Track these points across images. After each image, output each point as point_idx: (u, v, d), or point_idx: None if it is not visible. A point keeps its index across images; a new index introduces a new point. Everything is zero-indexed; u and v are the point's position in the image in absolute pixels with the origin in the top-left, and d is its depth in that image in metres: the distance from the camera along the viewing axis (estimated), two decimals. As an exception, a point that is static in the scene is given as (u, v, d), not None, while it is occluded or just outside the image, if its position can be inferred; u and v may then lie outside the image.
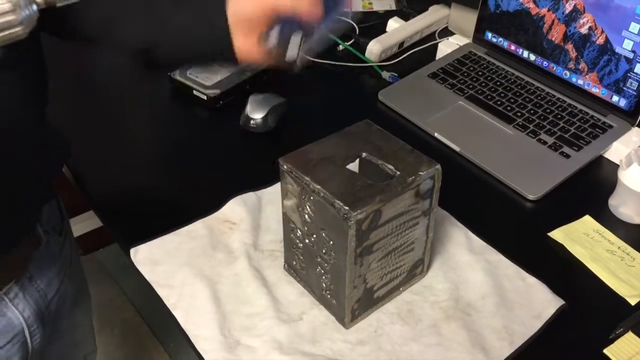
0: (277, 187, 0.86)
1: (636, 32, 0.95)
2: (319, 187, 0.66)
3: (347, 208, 0.63)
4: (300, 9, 0.67)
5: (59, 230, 0.83)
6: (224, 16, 0.69)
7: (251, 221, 0.85)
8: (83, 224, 1.85)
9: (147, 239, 0.82)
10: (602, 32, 0.99)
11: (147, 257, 0.80)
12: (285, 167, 0.69)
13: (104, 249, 2.05)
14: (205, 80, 1.07)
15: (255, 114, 0.99)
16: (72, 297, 0.87)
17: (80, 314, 0.93)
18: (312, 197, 0.67)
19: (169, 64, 0.82)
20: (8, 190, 0.64)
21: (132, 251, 0.81)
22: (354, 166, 0.70)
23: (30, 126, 0.67)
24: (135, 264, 0.80)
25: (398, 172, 0.68)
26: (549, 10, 1.05)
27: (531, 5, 1.07)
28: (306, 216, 0.70)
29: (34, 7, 0.49)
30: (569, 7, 1.02)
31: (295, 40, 0.67)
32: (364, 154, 0.71)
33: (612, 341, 0.73)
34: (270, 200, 0.87)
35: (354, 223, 0.63)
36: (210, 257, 0.81)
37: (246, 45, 0.70)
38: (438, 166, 0.69)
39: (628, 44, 0.97)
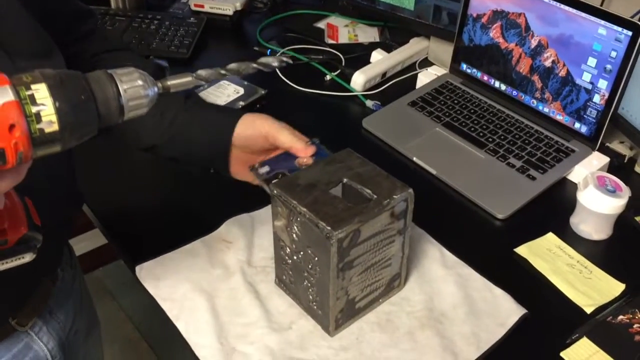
0: (268, 209, 0.95)
1: (593, 65, 1.05)
2: (305, 209, 0.74)
3: (329, 228, 0.72)
4: (295, 150, 0.83)
5: (70, 263, 0.91)
6: (230, 135, 0.82)
7: (245, 240, 0.93)
8: (82, 244, 1.92)
9: (150, 257, 0.90)
10: (564, 65, 1.09)
11: (151, 273, 0.88)
12: (275, 191, 0.78)
13: (103, 267, 2.11)
14: (202, 110, 1.16)
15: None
16: (85, 327, 0.94)
17: (93, 343, 1.00)
18: (299, 219, 0.76)
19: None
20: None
21: (137, 268, 0.89)
22: (336, 190, 0.79)
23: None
24: (140, 279, 0.88)
25: (375, 196, 0.77)
26: (516, 45, 1.15)
27: (501, 40, 1.17)
28: (294, 235, 0.78)
29: (156, 89, 0.52)
30: (534, 43, 1.12)
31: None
32: (345, 180, 0.80)
33: (568, 345, 0.81)
34: (262, 221, 0.96)
35: (335, 241, 0.72)
36: (209, 273, 0.89)
37: (239, 165, 0.84)
38: (410, 190, 0.78)
39: (587, 76, 1.06)
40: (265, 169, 0.84)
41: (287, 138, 0.83)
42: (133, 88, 0.49)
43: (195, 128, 0.84)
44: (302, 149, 0.83)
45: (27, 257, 0.56)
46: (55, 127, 0.44)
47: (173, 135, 0.83)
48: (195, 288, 0.86)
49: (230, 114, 0.86)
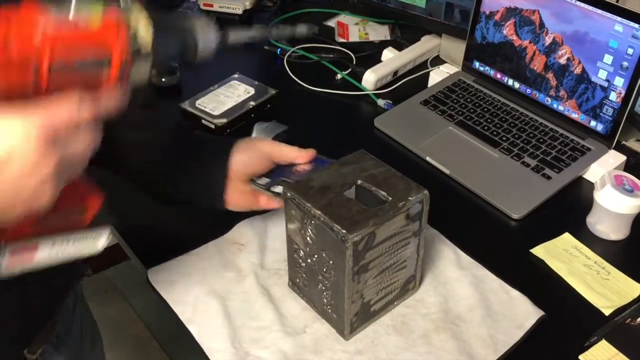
0: (280, 211, 0.94)
1: (609, 63, 1.03)
2: (319, 212, 0.73)
3: (344, 231, 0.71)
4: (300, 157, 0.85)
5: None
6: (224, 179, 0.83)
7: (258, 242, 0.92)
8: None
9: (162, 261, 0.89)
10: (579, 62, 1.07)
11: (163, 277, 0.88)
12: (288, 194, 0.77)
13: (114, 267, 2.12)
14: (213, 110, 1.15)
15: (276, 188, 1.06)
16: (90, 340, 0.95)
17: (99, 351, 1.00)
18: (313, 222, 0.75)
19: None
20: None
21: (149, 272, 0.88)
22: (350, 193, 0.78)
23: None
24: (152, 283, 0.87)
25: (390, 198, 0.76)
26: (530, 42, 1.13)
27: (514, 37, 1.16)
28: (308, 238, 0.77)
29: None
30: (548, 40, 1.11)
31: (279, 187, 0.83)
32: (359, 182, 0.79)
33: (587, 348, 0.80)
34: (275, 223, 0.95)
35: (350, 244, 0.71)
36: (221, 276, 0.88)
37: (236, 196, 0.85)
38: (426, 191, 0.77)
39: (603, 74, 1.05)
40: (264, 180, 0.85)
41: (291, 149, 0.86)
42: (207, 37, 0.59)
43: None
44: (305, 155, 0.86)
45: (102, 241, 0.56)
46: (149, 49, 0.52)
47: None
48: (207, 291, 0.85)
49: (222, 145, 0.86)
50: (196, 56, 0.59)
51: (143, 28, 0.51)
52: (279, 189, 0.83)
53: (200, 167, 0.85)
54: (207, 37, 0.59)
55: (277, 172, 0.86)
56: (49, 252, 0.54)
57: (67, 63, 0.47)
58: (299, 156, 0.86)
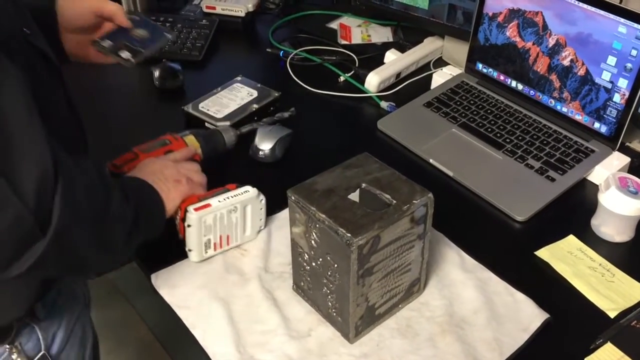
0: (285, 213, 0.94)
1: (613, 64, 1.03)
2: (324, 216, 0.73)
3: (349, 235, 0.71)
4: (119, 18, 0.94)
5: None
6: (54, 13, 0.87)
7: (261, 246, 0.92)
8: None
9: (166, 265, 0.89)
10: (583, 64, 1.07)
11: (166, 281, 0.88)
12: (293, 198, 0.77)
13: (116, 270, 2.11)
14: (216, 113, 1.15)
15: (264, 145, 1.07)
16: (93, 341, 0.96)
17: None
18: (317, 225, 0.75)
19: None
20: None
21: (153, 276, 0.88)
22: (354, 196, 0.78)
23: None
24: (155, 287, 0.87)
25: (394, 201, 0.76)
26: (533, 44, 1.13)
27: (517, 39, 1.15)
28: (313, 242, 0.77)
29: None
30: (552, 42, 1.10)
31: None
32: (363, 185, 0.78)
33: (592, 351, 0.79)
34: (279, 226, 0.95)
35: (355, 248, 0.71)
36: (224, 280, 0.88)
37: (74, 47, 0.91)
38: (430, 194, 0.77)
39: (606, 75, 1.04)
40: (108, 42, 0.93)
41: (110, 5, 0.93)
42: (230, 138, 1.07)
43: None
44: (125, 19, 0.94)
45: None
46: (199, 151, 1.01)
47: None
48: (211, 295, 0.85)
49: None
50: (225, 148, 1.06)
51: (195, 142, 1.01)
52: (125, 54, 0.93)
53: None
54: (229, 136, 1.06)
55: (118, 33, 0.95)
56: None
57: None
58: (118, 15, 0.93)
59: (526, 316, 0.83)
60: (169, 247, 0.93)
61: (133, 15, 1.00)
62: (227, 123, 1.13)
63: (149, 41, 0.98)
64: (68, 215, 0.64)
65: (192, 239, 0.87)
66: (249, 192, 0.90)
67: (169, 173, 0.87)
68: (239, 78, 1.24)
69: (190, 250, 0.88)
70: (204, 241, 0.88)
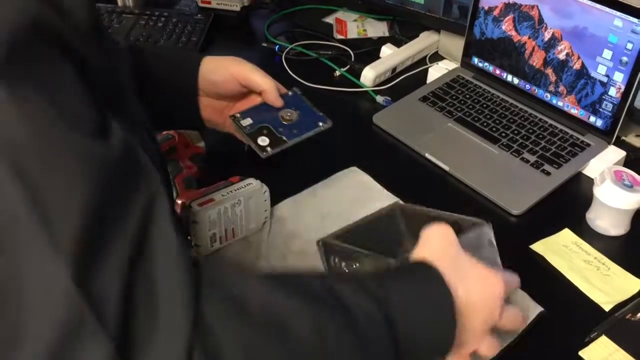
0: (287, 203, 0.94)
1: (609, 58, 1.03)
2: None
3: None
4: (268, 96, 0.83)
5: None
6: (195, 77, 0.80)
7: (267, 237, 0.92)
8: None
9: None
10: (578, 58, 1.07)
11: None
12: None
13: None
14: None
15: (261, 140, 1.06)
16: None
17: None
18: None
19: None
20: None
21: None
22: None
23: None
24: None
25: None
26: (529, 38, 1.13)
27: (513, 33, 1.15)
28: None
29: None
30: (547, 35, 1.10)
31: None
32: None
33: (587, 344, 0.79)
34: (282, 216, 0.95)
35: None
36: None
37: (211, 113, 0.84)
38: (490, 224, 0.76)
39: (602, 69, 1.04)
40: (248, 121, 0.84)
41: (261, 79, 0.82)
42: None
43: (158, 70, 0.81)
44: (275, 97, 0.83)
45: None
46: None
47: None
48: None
49: (191, 55, 0.84)
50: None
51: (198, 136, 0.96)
52: (263, 140, 0.85)
53: (169, 86, 0.81)
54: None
55: (262, 111, 0.84)
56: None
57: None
58: (268, 91, 0.82)
59: (521, 309, 0.82)
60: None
61: (289, 91, 0.88)
62: (223, 117, 1.13)
63: (297, 128, 0.84)
64: None
65: (199, 235, 0.86)
66: (252, 184, 0.89)
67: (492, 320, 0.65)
68: (234, 72, 1.23)
69: (197, 245, 0.87)
70: (210, 235, 0.87)
